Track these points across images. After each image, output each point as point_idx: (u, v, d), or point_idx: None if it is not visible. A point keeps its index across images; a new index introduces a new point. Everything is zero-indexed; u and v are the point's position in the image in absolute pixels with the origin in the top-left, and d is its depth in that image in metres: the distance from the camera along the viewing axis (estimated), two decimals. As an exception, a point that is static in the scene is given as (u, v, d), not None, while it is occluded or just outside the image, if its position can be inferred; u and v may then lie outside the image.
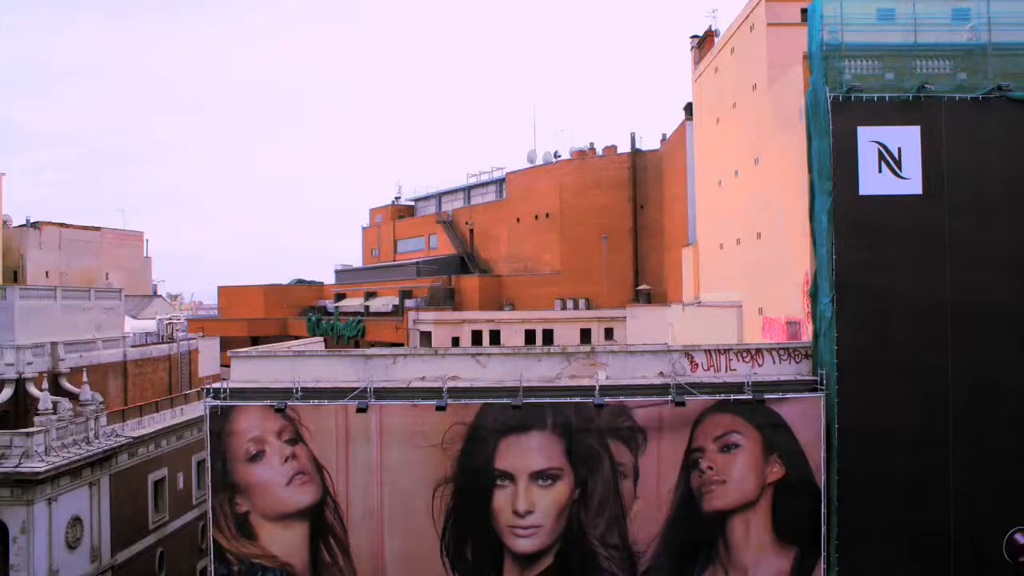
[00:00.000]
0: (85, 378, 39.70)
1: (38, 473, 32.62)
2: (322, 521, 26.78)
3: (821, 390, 26.11)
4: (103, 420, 38.66)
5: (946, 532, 25.78)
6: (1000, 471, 25.82)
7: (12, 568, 32.67)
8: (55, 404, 36.22)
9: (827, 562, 26.27)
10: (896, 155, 25.91)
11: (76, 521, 35.53)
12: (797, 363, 27.42)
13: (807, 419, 26.15)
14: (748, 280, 38.89)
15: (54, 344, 41.59)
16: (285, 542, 26.85)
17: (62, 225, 76.73)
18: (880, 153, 25.93)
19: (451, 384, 26.58)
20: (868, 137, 26.02)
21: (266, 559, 26.84)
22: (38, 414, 35.19)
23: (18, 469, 32.53)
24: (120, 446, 38.42)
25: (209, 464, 26.93)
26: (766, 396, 26.05)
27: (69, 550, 34.98)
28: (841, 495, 25.84)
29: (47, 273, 73.04)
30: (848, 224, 25.89)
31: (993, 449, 25.79)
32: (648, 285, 71.62)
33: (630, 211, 75.47)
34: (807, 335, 28.57)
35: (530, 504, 26.25)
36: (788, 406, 26.20)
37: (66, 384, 40.75)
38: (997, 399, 25.79)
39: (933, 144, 25.90)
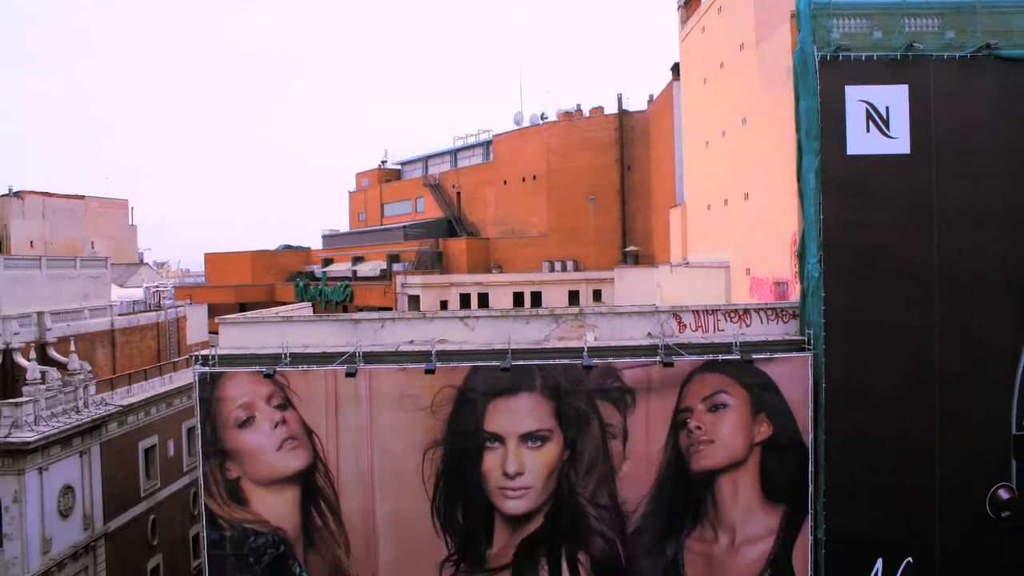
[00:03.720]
0: (73, 347, 39.58)
1: (28, 443, 32.56)
2: (313, 485, 26.89)
3: (808, 350, 26.24)
4: (92, 389, 38.58)
5: (931, 489, 26.10)
6: (984, 429, 26.12)
7: (6, 536, 32.73)
8: (43, 374, 36.12)
9: (814, 519, 26.55)
10: (884, 114, 25.85)
11: (68, 490, 35.56)
12: (785, 323, 27.52)
13: (795, 379, 26.30)
14: (736, 241, 38.87)
15: (40, 314, 41.44)
16: (277, 507, 26.95)
17: (45, 194, 75.93)
18: (868, 112, 25.86)
19: (440, 347, 26.61)
20: (856, 96, 25.94)
21: (258, 524, 26.95)
22: (26, 384, 35.10)
23: (8, 439, 32.47)
24: (110, 415, 38.37)
25: (199, 431, 26.94)
26: (754, 356, 26.18)
27: (62, 518, 35.05)
28: (828, 454, 26.09)
29: (31, 242, 72.43)
30: (836, 184, 25.88)
31: (978, 408, 26.07)
32: (636, 246, 71.58)
33: (617, 173, 75.18)
34: (795, 295, 28.63)
35: (520, 465, 26.39)
36: (776, 366, 26.33)
37: (53, 353, 40.66)
38: (982, 358, 26.01)
39: (921, 103, 25.83)
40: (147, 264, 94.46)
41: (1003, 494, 26.17)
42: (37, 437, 32.99)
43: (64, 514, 35.23)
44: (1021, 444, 26.09)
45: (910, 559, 26.33)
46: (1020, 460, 26.12)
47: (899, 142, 25.88)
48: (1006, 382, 26.02)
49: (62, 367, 38.68)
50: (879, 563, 26.36)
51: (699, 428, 26.41)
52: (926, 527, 26.27)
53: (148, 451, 42.86)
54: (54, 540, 34.42)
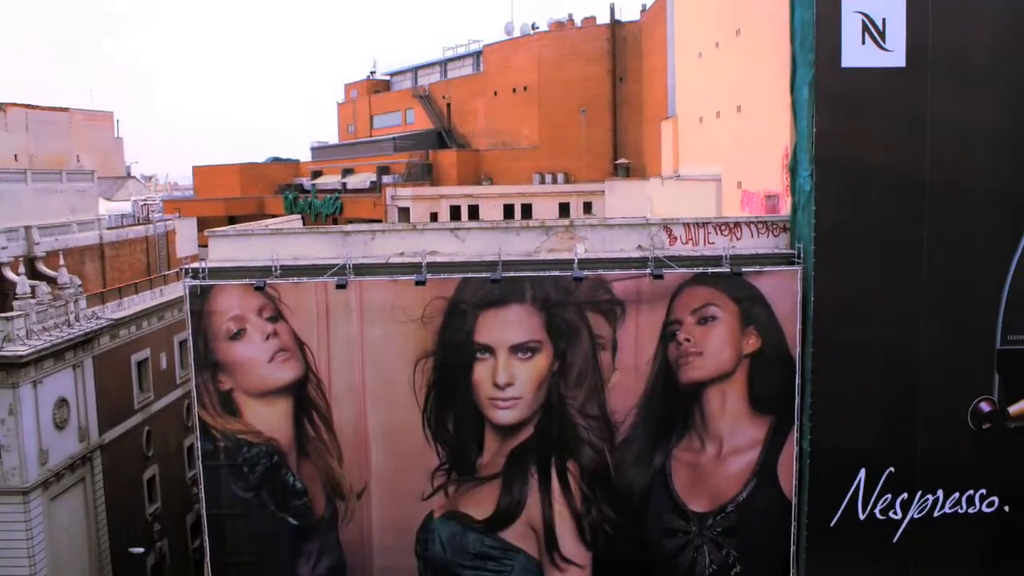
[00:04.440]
0: (62, 261, 39.46)
1: (21, 356, 32.69)
2: (305, 397, 27.09)
3: (798, 263, 26.23)
4: (83, 303, 38.59)
5: (915, 401, 26.43)
6: (969, 343, 26.33)
7: (3, 448, 33.12)
8: (33, 288, 36.05)
9: (800, 430, 26.92)
10: (880, 26, 25.35)
11: (62, 402, 35.87)
12: (775, 237, 27.49)
13: (784, 292, 26.35)
14: (727, 154, 38.62)
15: (28, 228, 41.18)
16: (269, 418, 27.20)
17: (28, 106, 74.43)
18: (864, 24, 25.36)
19: (430, 259, 26.54)
20: (852, 7, 25.37)
21: (251, 435, 27.23)
22: (16, 298, 35.06)
23: (0, 353, 32.58)
24: (101, 328, 38.48)
25: (191, 344, 27.02)
26: (744, 269, 26.18)
27: (57, 430, 35.44)
28: (815, 366, 26.30)
29: (15, 156, 71.35)
30: (829, 97, 25.52)
31: (963, 323, 26.23)
32: (627, 159, 71.14)
33: (609, 84, 74.21)
34: (785, 209, 28.57)
35: (510, 376, 26.59)
36: (765, 279, 26.37)
37: (43, 268, 40.57)
38: (970, 273, 26.05)
39: (918, 15, 25.31)
40: (134, 177, 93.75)
41: (984, 407, 26.56)
42: (29, 351, 33.12)
43: (59, 426, 35.61)
44: (1004, 358, 26.35)
45: (892, 469, 26.82)
46: (1003, 374, 26.45)
47: (894, 55, 25.44)
48: (993, 296, 26.10)
49: (52, 281, 38.62)
50: (862, 473, 26.85)
51: (688, 340, 26.58)
52: (908, 439, 26.69)
53: (140, 364, 43.14)
54: (51, 451, 34.86)
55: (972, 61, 25.50)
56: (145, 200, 74.27)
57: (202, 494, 27.95)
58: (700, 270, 26.34)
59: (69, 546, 36.31)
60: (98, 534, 38.46)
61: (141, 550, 40.22)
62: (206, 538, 28.17)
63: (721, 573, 27.87)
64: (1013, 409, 26.65)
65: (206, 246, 29.16)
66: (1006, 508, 27.07)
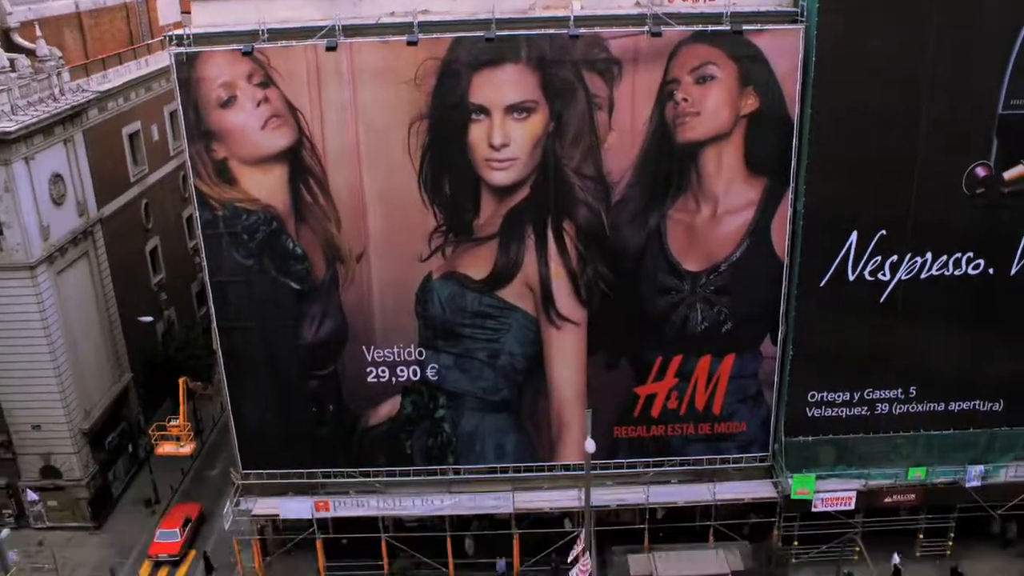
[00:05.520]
0: (39, 32, 38.00)
1: (9, 132, 32.09)
2: (300, 162, 27.11)
3: (801, 22, 25.54)
4: (66, 76, 37.58)
5: (911, 164, 26.61)
6: (971, 106, 26.23)
7: (4, 225, 33.15)
8: (12, 61, 34.86)
9: (795, 192, 27.21)
10: None
11: (57, 178, 35.67)
12: (778, -7, 26.61)
13: (784, 51, 25.87)
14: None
15: (-5, -4, 39.33)
16: (265, 185, 27.34)
17: None
18: None
19: (422, 19, 25.80)
20: None
21: (248, 202, 27.45)
22: (-5, 73, 34.04)
23: (-13, 131, 31.99)
24: (88, 101, 37.68)
25: (182, 113, 26.72)
26: (744, 27, 25.52)
27: (56, 206, 35.43)
28: (813, 128, 26.21)
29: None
30: None
31: (967, 87, 25.95)
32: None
33: None
34: (790, -36, 27.48)
35: (505, 137, 26.49)
36: (766, 38, 25.79)
37: (19, 39, 39.07)
38: (978, 37, 25.51)
39: None
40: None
41: (980, 171, 26.76)
42: (17, 127, 32.51)
43: (57, 202, 35.59)
44: (1006, 122, 26.32)
45: (883, 232, 27.39)
46: (1002, 138, 26.45)
47: None
48: (1000, 60, 25.70)
49: (30, 54, 37.36)
50: (854, 235, 27.47)
51: (685, 100, 26.28)
52: (902, 202, 27.08)
53: (132, 137, 42.66)
54: (52, 227, 35.00)
55: None
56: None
57: (204, 263, 28.54)
58: (699, 28, 25.67)
59: (80, 318, 37.20)
60: (107, 305, 39.35)
61: (150, 318, 41.25)
62: (211, 305, 29.02)
63: (712, 329, 29.02)
64: (1008, 174, 26.92)
65: (188, 12, 28.14)
66: (991, 271, 27.92)
